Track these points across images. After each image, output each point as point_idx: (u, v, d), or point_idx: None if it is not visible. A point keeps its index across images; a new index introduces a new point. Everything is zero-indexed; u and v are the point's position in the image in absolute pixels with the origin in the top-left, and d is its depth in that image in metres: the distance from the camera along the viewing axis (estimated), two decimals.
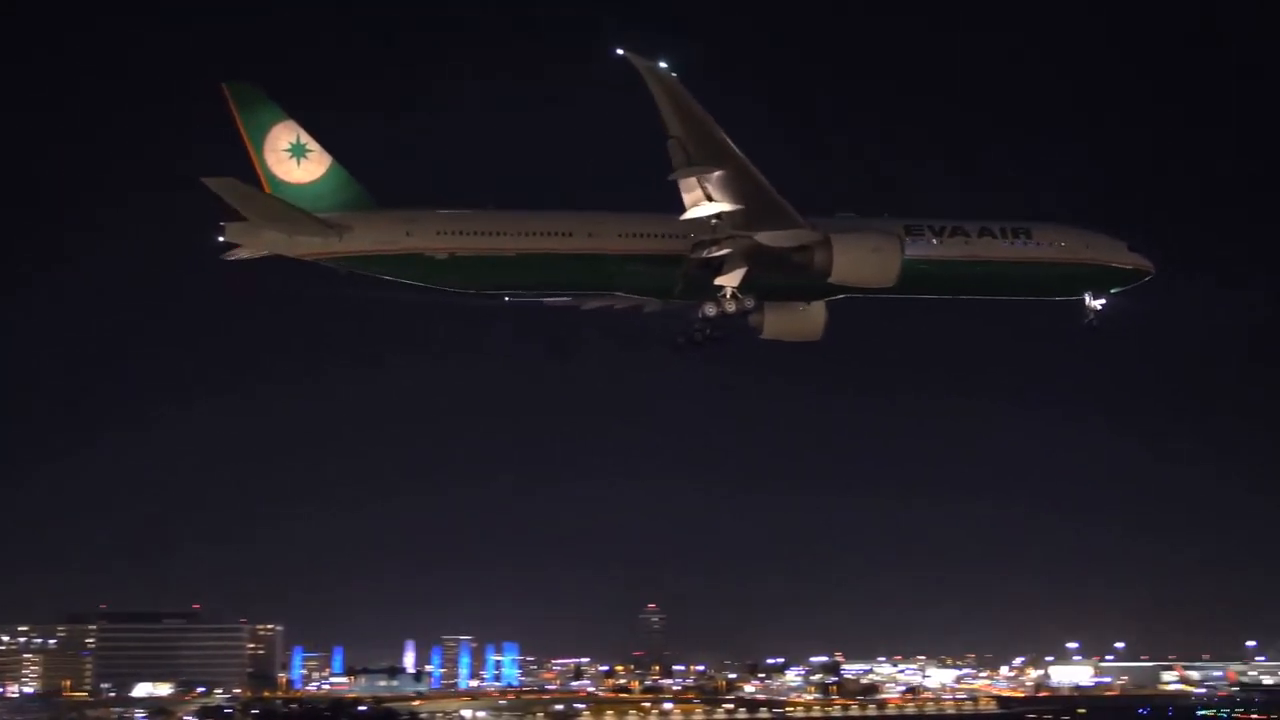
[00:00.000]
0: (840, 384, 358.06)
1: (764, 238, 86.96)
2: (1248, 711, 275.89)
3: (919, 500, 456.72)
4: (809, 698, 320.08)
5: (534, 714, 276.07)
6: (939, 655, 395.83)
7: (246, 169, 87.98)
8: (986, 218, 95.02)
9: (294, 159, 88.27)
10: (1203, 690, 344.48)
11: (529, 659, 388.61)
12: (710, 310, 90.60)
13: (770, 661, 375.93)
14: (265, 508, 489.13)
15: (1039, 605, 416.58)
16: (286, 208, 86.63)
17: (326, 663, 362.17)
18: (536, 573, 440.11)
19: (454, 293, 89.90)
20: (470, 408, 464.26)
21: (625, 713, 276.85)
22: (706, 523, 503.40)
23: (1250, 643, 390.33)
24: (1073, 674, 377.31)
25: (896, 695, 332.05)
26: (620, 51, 78.40)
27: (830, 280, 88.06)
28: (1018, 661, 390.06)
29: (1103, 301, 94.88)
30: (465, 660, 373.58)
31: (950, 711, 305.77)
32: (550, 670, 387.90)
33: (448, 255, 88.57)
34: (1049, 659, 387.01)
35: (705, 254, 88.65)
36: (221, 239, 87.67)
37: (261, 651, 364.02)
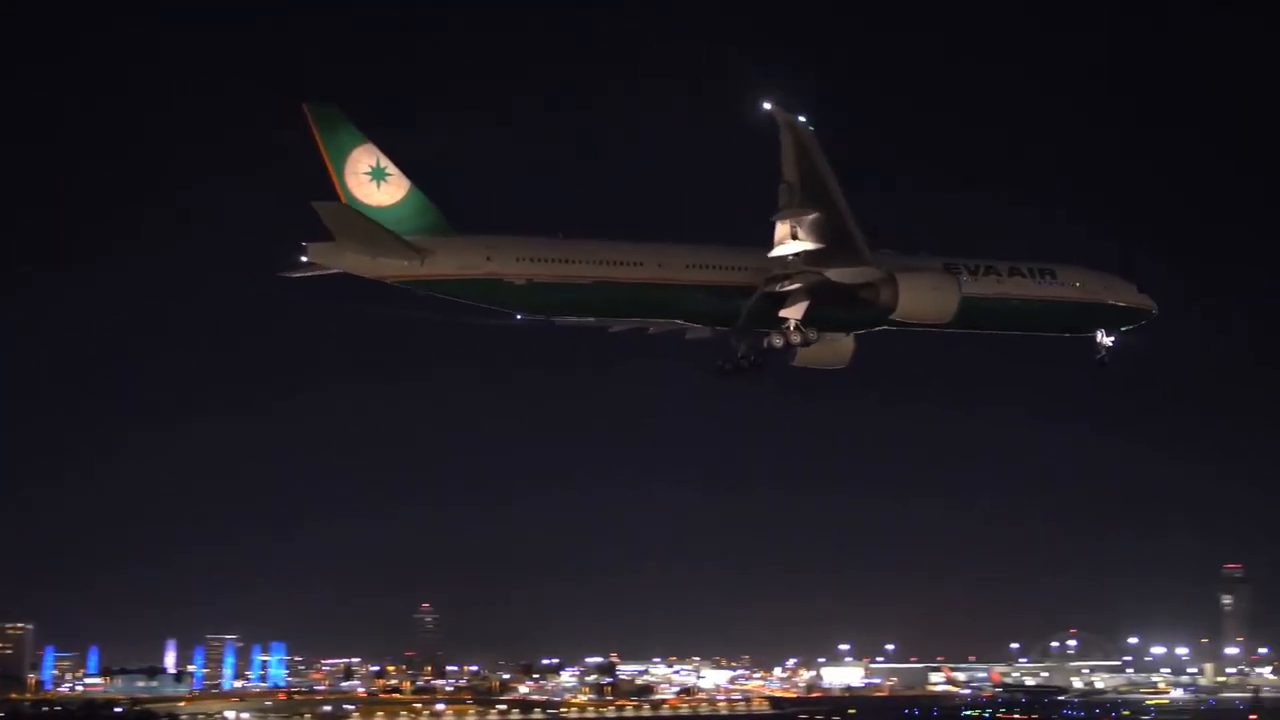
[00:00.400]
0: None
1: (834, 274, 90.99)
2: (1010, 711, 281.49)
3: (693, 499, 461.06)
4: (584, 698, 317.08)
5: (301, 715, 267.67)
6: (714, 656, 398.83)
7: (325, 188, 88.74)
8: (1011, 257, 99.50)
9: (374, 182, 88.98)
10: (968, 691, 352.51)
11: (297, 659, 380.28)
12: (776, 341, 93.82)
13: (545, 662, 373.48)
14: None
15: (812, 608, 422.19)
16: (385, 233, 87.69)
17: (81, 663, 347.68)
18: (307, 570, 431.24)
19: (525, 317, 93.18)
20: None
21: (396, 713, 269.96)
22: (484, 522, 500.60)
23: (1013, 645, 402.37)
24: (844, 675, 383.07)
25: (672, 696, 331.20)
26: (768, 106, 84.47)
27: (893, 316, 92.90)
28: (790, 663, 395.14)
29: (1113, 339, 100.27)
30: (230, 660, 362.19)
31: (724, 712, 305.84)
32: (319, 670, 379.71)
33: (526, 281, 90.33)
34: (821, 660, 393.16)
35: (777, 288, 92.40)
36: (304, 259, 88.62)
37: (10, 651, 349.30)
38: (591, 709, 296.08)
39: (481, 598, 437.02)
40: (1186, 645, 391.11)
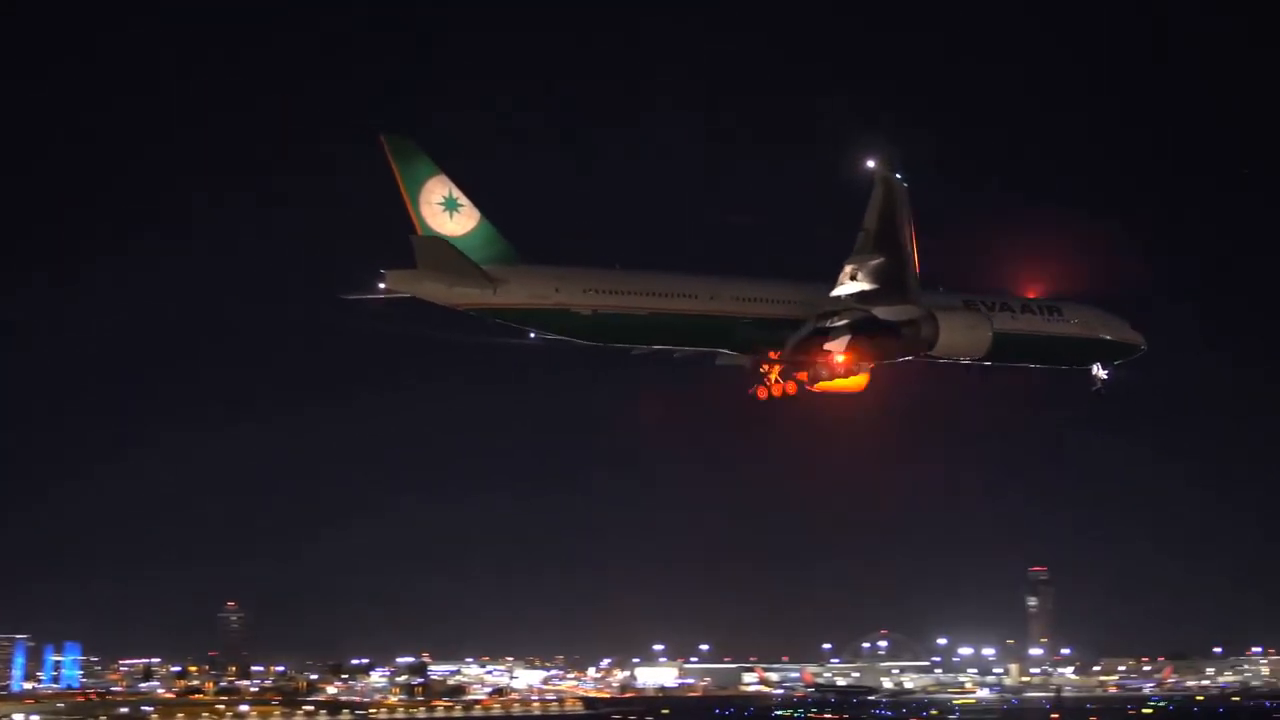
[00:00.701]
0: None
1: (880, 312, 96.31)
2: (821, 711, 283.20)
3: (501, 499, 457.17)
4: (394, 699, 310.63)
5: (97, 717, 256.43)
6: (527, 657, 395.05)
7: (402, 217, 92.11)
8: (1015, 292, 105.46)
9: (447, 212, 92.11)
10: (780, 691, 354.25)
11: (93, 659, 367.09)
12: (823, 373, 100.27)
13: (355, 662, 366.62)
14: None
15: (627, 608, 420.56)
16: (470, 264, 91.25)
17: None
18: (103, 568, 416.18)
19: (584, 344, 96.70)
20: None
21: (198, 715, 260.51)
22: (293, 519, 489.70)
23: (826, 645, 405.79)
24: (658, 675, 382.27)
25: (484, 696, 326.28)
26: (871, 164, 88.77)
27: (931, 351, 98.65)
28: (605, 663, 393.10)
29: (1107, 372, 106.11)
30: (20, 661, 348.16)
31: (537, 712, 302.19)
32: (117, 671, 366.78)
33: (591, 312, 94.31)
34: (635, 660, 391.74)
35: (827, 323, 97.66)
36: (382, 285, 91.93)
37: None
38: (402, 710, 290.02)
39: (290, 596, 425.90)
40: (993, 646, 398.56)
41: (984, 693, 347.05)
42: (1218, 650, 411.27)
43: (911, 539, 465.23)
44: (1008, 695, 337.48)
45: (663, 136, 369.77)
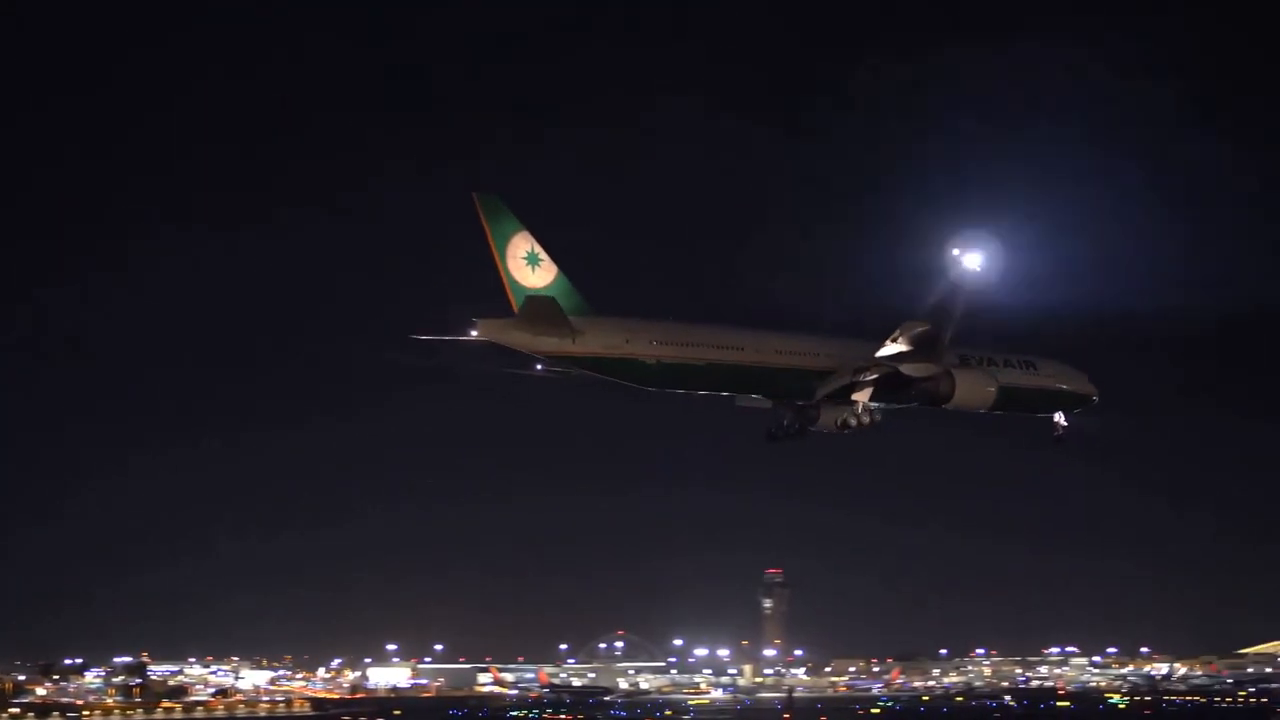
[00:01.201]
0: None
1: (906, 369, 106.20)
2: (556, 712, 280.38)
3: (234, 491, 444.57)
4: (111, 700, 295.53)
5: None
6: (254, 656, 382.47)
7: (491, 271, 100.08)
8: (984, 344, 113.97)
9: (529, 266, 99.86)
10: (515, 692, 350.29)
11: None
12: (852, 421, 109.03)
13: (68, 662, 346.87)
14: None
15: (358, 607, 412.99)
16: (564, 319, 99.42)
17: None
18: None
19: (638, 388, 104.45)
20: None
21: None
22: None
23: (562, 646, 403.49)
24: (390, 675, 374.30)
25: (208, 697, 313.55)
26: (956, 252, 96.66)
27: (947, 404, 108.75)
28: (335, 663, 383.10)
29: (1066, 421, 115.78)
30: None
31: (263, 714, 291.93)
32: None
33: (655, 362, 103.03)
34: (367, 660, 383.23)
35: (859, 377, 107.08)
36: (474, 333, 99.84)
37: None
38: (119, 712, 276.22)
39: None
40: (728, 647, 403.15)
41: (718, 693, 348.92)
42: (943, 652, 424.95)
43: (647, 540, 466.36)
44: (741, 696, 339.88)
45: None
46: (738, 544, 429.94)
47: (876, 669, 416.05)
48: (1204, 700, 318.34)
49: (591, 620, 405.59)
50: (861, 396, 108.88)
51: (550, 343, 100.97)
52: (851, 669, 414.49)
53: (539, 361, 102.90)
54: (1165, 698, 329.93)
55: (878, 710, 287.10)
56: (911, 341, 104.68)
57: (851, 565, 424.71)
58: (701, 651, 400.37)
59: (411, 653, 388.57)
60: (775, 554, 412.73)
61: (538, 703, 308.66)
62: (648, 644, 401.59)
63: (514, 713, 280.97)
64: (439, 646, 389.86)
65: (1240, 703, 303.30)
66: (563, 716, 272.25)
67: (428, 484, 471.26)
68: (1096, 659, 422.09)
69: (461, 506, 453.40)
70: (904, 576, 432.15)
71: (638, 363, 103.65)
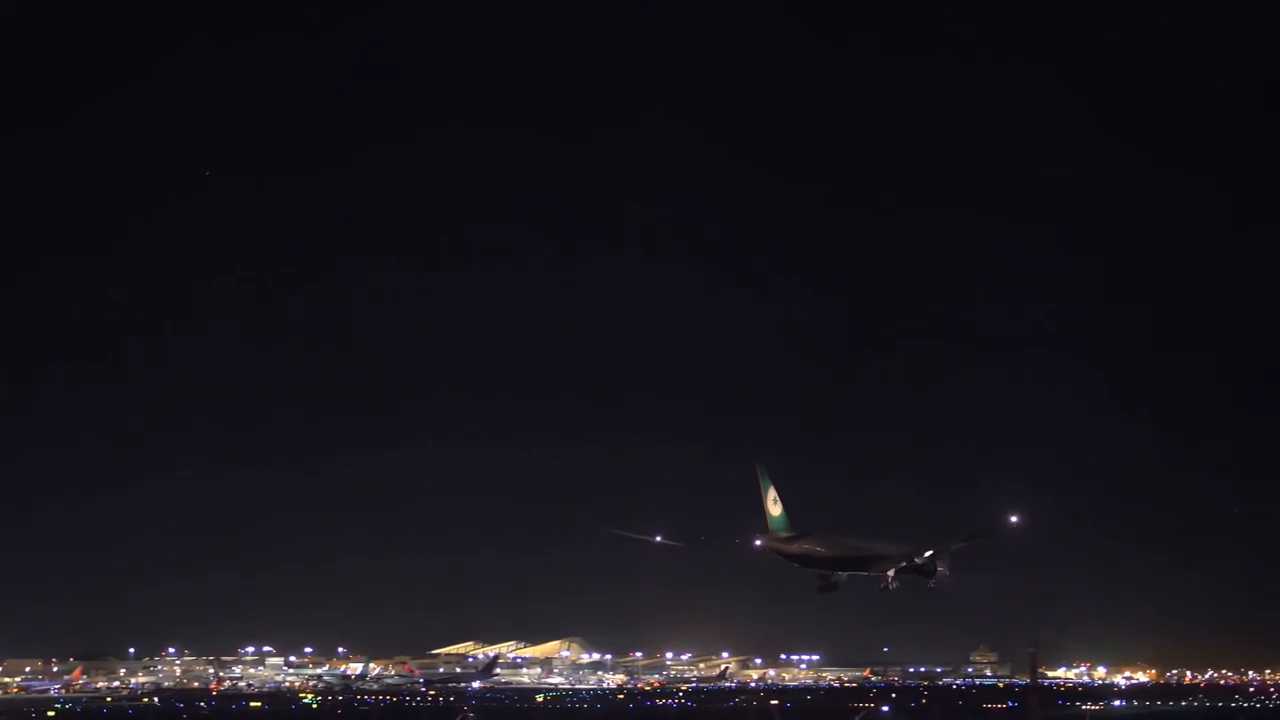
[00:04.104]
0: None
1: (919, 559, 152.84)
2: None
3: None
4: None
5: None
6: None
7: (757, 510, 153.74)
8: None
9: (775, 504, 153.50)
10: None
11: None
12: (881, 584, 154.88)
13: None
14: None
15: None
16: (790, 534, 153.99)
17: None
18: None
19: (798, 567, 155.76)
20: None
21: None
22: None
23: None
24: None
25: None
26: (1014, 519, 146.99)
27: (933, 574, 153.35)
28: None
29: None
30: None
31: None
32: None
33: (804, 553, 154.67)
34: None
35: (900, 564, 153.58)
36: (757, 542, 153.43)
37: None
38: None
39: None
40: None
41: None
42: (132, 651, 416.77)
43: None
44: None
45: None
46: None
47: (56, 669, 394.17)
48: (396, 699, 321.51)
49: None
50: (890, 571, 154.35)
51: (777, 545, 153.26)
52: (28, 669, 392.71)
53: (783, 554, 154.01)
54: (359, 697, 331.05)
55: (53, 713, 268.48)
56: (940, 554, 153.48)
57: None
58: None
59: None
60: None
61: None
62: None
63: None
64: None
65: (431, 701, 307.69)
66: None
67: None
68: (292, 659, 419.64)
69: None
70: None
71: (809, 555, 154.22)
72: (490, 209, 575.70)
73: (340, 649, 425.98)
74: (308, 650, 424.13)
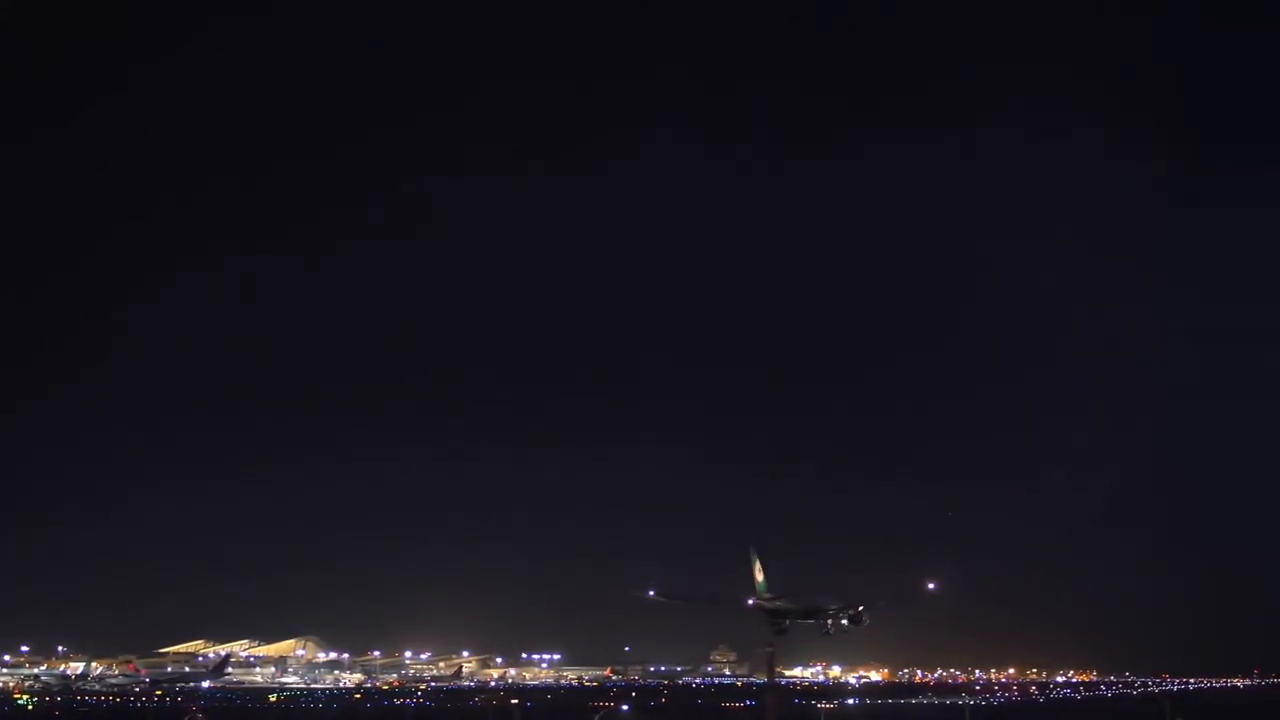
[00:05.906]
0: None
1: (853, 611, 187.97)
2: None
3: None
4: None
5: None
6: None
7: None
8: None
9: (759, 571, 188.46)
10: None
11: None
12: (823, 630, 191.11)
13: None
14: None
15: None
16: (772, 595, 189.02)
17: None
18: None
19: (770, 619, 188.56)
20: None
21: None
22: None
23: None
24: None
25: None
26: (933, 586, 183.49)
27: (860, 622, 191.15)
28: None
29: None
30: None
31: None
32: None
33: (778, 607, 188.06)
34: None
35: (838, 616, 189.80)
36: (750, 601, 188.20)
37: None
38: None
39: None
40: None
41: None
42: None
43: None
44: None
45: None
46: None
47: None
48: (119, 700, 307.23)
49: None
50: (833, 620, 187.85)
51: (763, 602, 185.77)
52: None
53: (763, 610, 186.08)
54: (79, 698, 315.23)
55: None
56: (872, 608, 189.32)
57: None
58: None
59: None
60: None
61: None
62: None
63: None
64: None
65: (157, 701, 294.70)
66: None
67: None
68: (6, 658, 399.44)
69: None
70: None
71: (779, 609, 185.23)
72: None
73: (60, 647, 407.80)
74: (24, 649, 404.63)
